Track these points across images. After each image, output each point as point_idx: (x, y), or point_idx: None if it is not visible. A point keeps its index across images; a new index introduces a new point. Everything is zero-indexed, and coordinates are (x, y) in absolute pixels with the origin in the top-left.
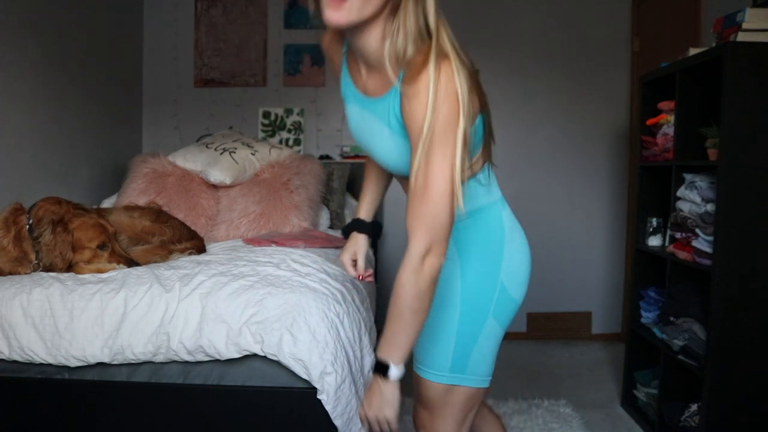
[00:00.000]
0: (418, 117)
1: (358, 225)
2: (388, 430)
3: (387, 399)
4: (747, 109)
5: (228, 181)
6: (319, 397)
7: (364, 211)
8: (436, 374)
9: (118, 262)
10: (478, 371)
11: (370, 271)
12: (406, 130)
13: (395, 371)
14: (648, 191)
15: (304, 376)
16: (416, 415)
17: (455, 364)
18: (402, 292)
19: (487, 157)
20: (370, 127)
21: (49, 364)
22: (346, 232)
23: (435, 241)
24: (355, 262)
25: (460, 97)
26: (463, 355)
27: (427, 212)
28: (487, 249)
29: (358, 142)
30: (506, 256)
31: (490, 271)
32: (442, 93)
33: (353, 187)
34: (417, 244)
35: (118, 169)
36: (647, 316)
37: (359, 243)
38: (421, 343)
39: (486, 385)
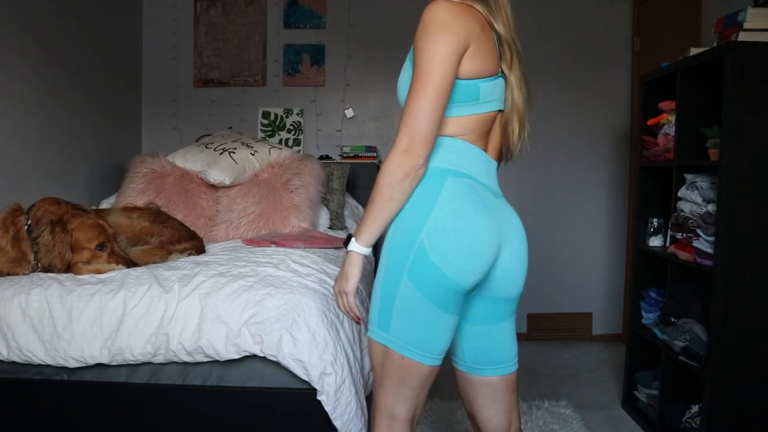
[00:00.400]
0: (415, 54)
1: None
2: (346, 302)
3: (345, 272)
4: (748, 109)
5: (227, 182)
6: (318, 398)
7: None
8: (369, 329)
9: (117, 263)
10: (405, 338)
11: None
12: None
13: (355, 245)
14: (649, 191)
15: (304, 377)
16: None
17: (381, 320)
18: (378, 178)
19: (478, 137)
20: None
21: (48, 365)
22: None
23: (414, 143)
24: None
25: (437, 24)
26: (386, 311)
27: (409, 115)
28: (415, 205)
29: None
30: (434, 216)
31: (411, 227)
32: (425, 21)
33: (353, 188)
34: (399, 142)
35: (117, 170)
36: (648, 317)
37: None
38: (371, 301)
39: (418, 359)
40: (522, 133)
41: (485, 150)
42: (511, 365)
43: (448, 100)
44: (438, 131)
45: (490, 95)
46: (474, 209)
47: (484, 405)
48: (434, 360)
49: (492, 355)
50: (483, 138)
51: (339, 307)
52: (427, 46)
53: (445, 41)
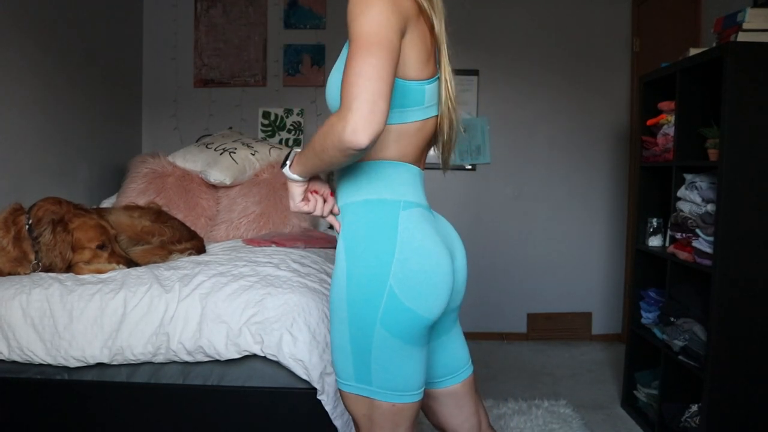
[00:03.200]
0: (349, 24)
1: None
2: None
3: (290, 192)
4: (747, 109)
5: (228, 182)
6: (319, 397)
7: None
8: (344, 383)
9: (118, 263)
10: (389, 386)
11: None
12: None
13: (288, 171)
14: (648, 191)
15: (304, 377)
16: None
17: (359, 374)
18: (318, 138)
19: (416, 154)
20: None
21: (49, 365)
22: None
23: (359, 122)
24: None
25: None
26: (363, 365)
27: (352, 84)
28: (373, 248)
29: None
30: (398, 259)
31: (376, 274)
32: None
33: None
34: (342, 117)
35: (118, 170)
36: (647, 317)
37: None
38: (332, 352)
39: (408, 400)
40: (453, 137)
41: (419, 162)
42: (467, 368)
43: (395, 69)
44: (388, 109)
45: (432, 98)
46: (432, 242)
47: (452, 414)
48: (420, 395)
49: (449, 364)
50: (420, 150)
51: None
52: (365, 9)
53: (384, 8)
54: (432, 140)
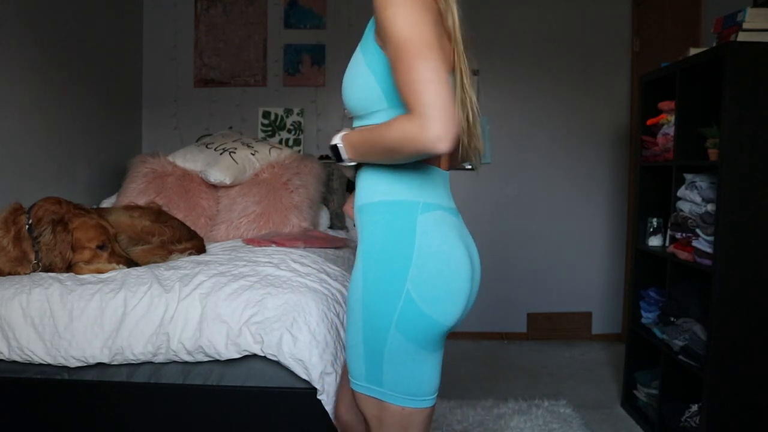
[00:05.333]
0: (386, 27)
1: None
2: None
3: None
4: (747, 109)
5: (228, 181)
6: (319, 397)
7: None
8: (355, 383)
9: (118, 263)
10: (400, 389)
11: None
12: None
13: (346, 162)
14: (648, 191)
15: (304, 377)
16: (349, 423)
17: (370, 375)
18: (392, 124)
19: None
20: (352, 57)
21: (49, 365)
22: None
23: (446, 129)
24: None
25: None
26: (375, 366)
27: (422, 91)
28: (390, 251)
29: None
30: (416, 263)
31: (392, 277)
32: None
33: (353, 188)
34: (427, 125)
35: (118, 169)
36: (647, 317)
37: None
38: (346, 351)
39: (420, 405)
40: (472, 136)
41: (442, 162)
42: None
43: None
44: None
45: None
46: (451, 247)
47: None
48: (433, 400)
49: None
50: None
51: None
52: (398, 11)
53: (416, 6)
54: None
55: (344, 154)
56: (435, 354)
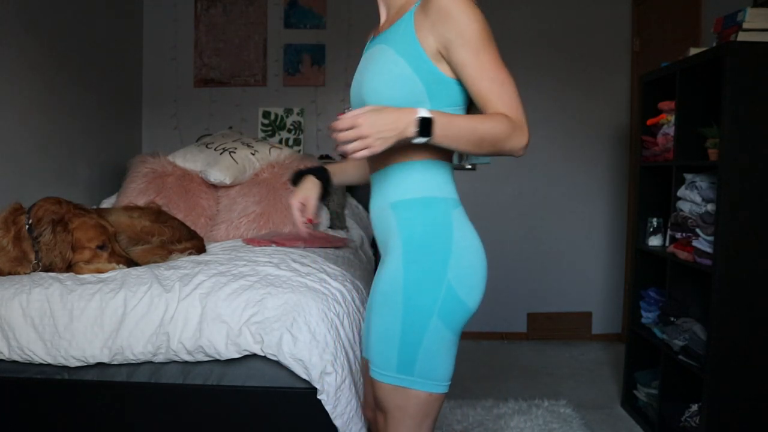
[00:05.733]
0: (464, 28)
1: (315, 170)
2: (358, 146)
3: (393, 126)
4: (747, 109)
5: (228, 181)
6: (319, 397)
7: (332, 167)
8: (382, 373)
9: (118, 262)
10: (430, 375)
11: (321, 218)
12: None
13: (424, 113)
14: (648, 191)
15: (304, 376)
16: (376, 420)
17: (402, 365)
18: (495, 119)
19: (451, 152)
20: (372, 55)
21: (49, 365)
22: (297, 177)
23: (526, 135)
24: (304, 207)
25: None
26: (410, 356)
27: (510, 95)
28: (432, 245)
29: (352, 95)
30: (455, 255)
31: (435, 268)
32: (471, 9)
33: (353, 188)
34: (523, 132)
35: (118, 169)
36: (647, 317)
37: (310, 188)
38: (371, 341)
39: (442, 390)
40: None
41: (451, 160)
42: None
43: None
44: None
45: None
46: (477, 240)
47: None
48: (449, 386)
49: None
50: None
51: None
52: (466, 9)
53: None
54: None
55: (435, 130)
56: (458, 340)
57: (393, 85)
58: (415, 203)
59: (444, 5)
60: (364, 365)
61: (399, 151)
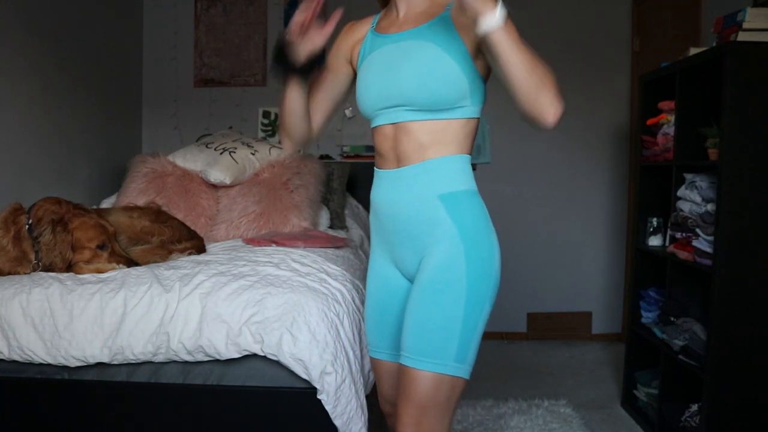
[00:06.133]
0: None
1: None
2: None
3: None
4: (747, 108)
5: (228, 181)
6: (319, 397)
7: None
8: (438, 364)
9: (118, 262)
10: (472, 361)
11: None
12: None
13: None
14: (648, 191)
15: (304, 376)
16: (399, 414)
17: (459, 354)
18: (547, 73)
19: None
20: (408, 50)
21: (49, 364)
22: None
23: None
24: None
25: None
26: (467, 343)
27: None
28: (482, 234)
29: (373, 85)
30: (495, 244)
31: (486, 256)
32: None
33: (353, 187)
34: (558, 98)
35: (118, 169)
36: (647, 316)
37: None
38: (419, 332)
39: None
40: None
41: None
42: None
43: None
44: None
45: None
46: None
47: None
48: None
49: None
50: None
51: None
52: None
53: None
54: None
55: (507, 23)
56: None
57: (444, 83)
58: (462, 195)
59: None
60: (378, 364)
61: (437, 145)
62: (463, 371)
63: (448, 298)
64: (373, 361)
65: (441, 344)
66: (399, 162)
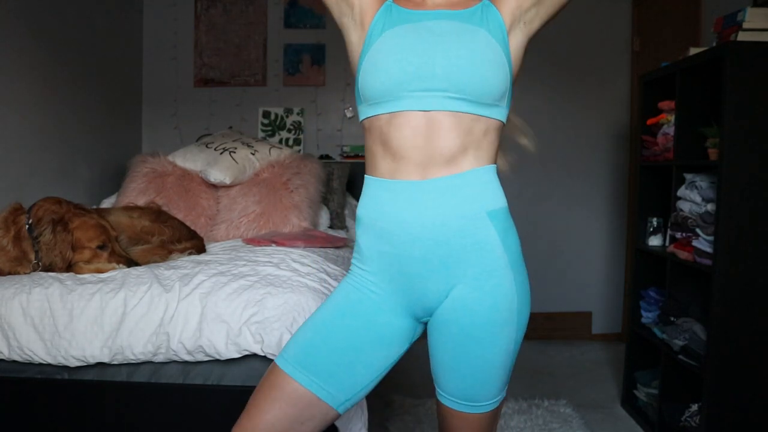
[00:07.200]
0: None
1: None
2: None
3: None
4: (747, 109)
5: (228, 181)
6: None
7: None
8: (496, 400)
9: (118, 262)
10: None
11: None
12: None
13: None
14: (648, 191)
15: None
16: None
17: (504, 383)
18: None
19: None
20: (458, 32)
21: (49, 364)
22: None
23: None
24: None
25: None
26: (510, 370)
27: None
28: (520, 257)
29: (405, 60)
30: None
31: (526, 280)
32: None
33: (353, 187)
34: None
35: (118, 169)
36: (647, 316)
37: None
38: (480, 381)
39: None
40: None
41: None
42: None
43: None
44: None
45: None
46: None
47: None
48: None
49: None
50: None
51: None
52: None
53: None
54: None
55: None
56: None
57: (495, 74)
58: (503, 212)
59: None
60: (286, 382)
61: (476, 150)
62: (503, 394)
63: (503, 338)
64: (279, 375)
65: (495, 384)
66: (427, 167)
